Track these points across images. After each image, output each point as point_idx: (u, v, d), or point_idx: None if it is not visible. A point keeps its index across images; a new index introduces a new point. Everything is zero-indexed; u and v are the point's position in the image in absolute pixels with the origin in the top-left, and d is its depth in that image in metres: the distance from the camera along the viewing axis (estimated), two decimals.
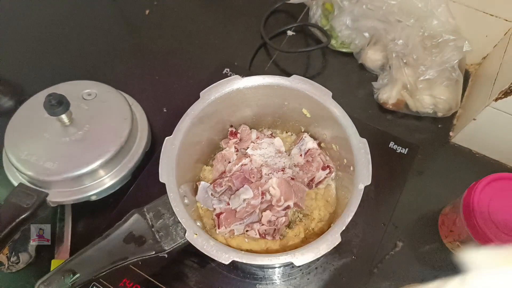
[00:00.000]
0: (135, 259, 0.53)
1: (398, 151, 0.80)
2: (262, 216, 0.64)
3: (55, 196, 0.70)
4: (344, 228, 0.52)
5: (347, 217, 0.52)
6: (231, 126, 0.72)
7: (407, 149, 0.79)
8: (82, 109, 0.76)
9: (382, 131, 0.83)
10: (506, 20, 0.79)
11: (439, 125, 0.86)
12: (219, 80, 0.63)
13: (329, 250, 0.51)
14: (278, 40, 1.03)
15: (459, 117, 0.86)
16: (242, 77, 0.63)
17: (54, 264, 0.69)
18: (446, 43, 0.81)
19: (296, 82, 0.62)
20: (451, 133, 0.85)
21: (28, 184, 0.71)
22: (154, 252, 0.53)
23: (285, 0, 1.05)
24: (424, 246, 0.72)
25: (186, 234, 0.52)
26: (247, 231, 0.65)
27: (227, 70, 0.92)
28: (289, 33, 1.04)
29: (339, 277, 0.67)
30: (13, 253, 0.68)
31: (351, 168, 0.58)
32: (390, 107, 0.87)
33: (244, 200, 0.65)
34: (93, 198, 0.74)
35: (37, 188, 0.70)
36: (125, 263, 0.53)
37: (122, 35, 1.09)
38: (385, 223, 0.73)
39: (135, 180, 0.78)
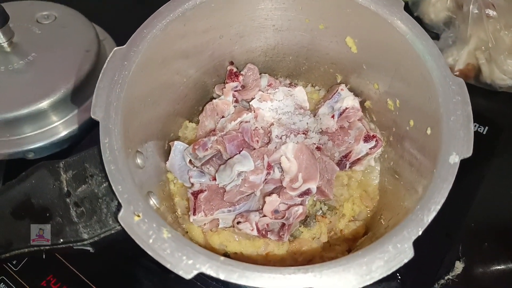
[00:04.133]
0: (27, 249, 0.29)
1: (475, 129, 0.55)
2: (265, 202, 0.40)
3: None
4: (421, 232, 0.27)
5: (428, 213, 0.27)
6: (231, 63, 0.48)
7: (486, 127, 0.58)
8: (32, 33, 0.58)
9: None
10: None
11: None
12: None
13: (389, 272, 0.26)
14: None
15: None
16: None
17: None
18: None
19: None
20: None
21: None
22: (62, 241, 0.29)
23: None
24: (496, 270, 0.52)
25: (119, 214, 0.27)
26: (238, 223, 0.41)
27: None
28: None
29: None
30: None
31: (428, 131, 0.34)
32: (456, 74, 0.65)
33: (240, 174, 0.41)
34: (30, 156, 0.55)
35: None
36: (9, 255, 0.29)
37: None
38: (451, 234, 0.50)
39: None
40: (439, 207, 0.28)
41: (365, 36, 0.40)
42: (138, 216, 0.28)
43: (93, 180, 0.31)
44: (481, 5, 0.60)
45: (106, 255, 0.40)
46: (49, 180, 0.30)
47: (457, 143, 0.30)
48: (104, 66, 0.34)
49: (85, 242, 0.30)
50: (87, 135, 0.56)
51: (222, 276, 0.26)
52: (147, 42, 0.35)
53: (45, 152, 0.55)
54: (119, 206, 0.28)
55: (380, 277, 0.26)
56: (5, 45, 0.54)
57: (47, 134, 0.55)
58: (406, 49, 0.35)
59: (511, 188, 0.56)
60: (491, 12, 0.59)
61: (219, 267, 0.26)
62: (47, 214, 0.29)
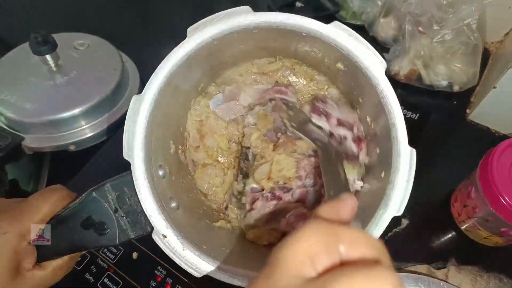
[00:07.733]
0: (97, 248, 0.45)
1: (408, 116, 0.74)
2: None
3: (32, 141, 0.68)
4: None
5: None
6: None
7: (417, 114, 0.73)
8: (72, 57, 0.75)
9: None
10: None
11: (454, 102, 0.79)
12: None
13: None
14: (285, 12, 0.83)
15: (477, 94, 0.78)
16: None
17: None
18: None
19: (337, 35, 0.39)
20: (467, 110, 0.78)
21: (5, 127, 0.68)
22: (118, 242, 0.44)
23: None
24: (434, 226, 0.65)
25: (152, 234, 0.42)
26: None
27: None
28: (298, 4, 0.97)
29: None
30: None
31: (382, 175, 0.43)
32: (402, 78, 0.80)
33: None
34: (72, 148, 0.70)
35: (13, 132, 0.68)
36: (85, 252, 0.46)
37: None
38: None
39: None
40: None
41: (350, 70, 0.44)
42: (165, 237, 0.42)
43: (131, 200, 0.43)
44: (414, 24, 0.75)
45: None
46: (101, 201, 0.43)
47: (393, 202, 0.39)
48: (128, 112, 0.42)
49: (132, 239, 0.45)
50: (113, 134, 0.72)
51: (216, 277, 0.41)
52: (153, 90, 0.42)
53: (83, 145, 0.70)
54: (151, 227, 0.42)
55: None
56: (53, 65, 0.70)
57: (85, 131, 0.70)
58: (380, 108, 0.41)
59: (443, 169, 0.68)
60: (421, 29, 0.74)
61: (216, 272, 0.41)
62: (105, 226, 0.43)
